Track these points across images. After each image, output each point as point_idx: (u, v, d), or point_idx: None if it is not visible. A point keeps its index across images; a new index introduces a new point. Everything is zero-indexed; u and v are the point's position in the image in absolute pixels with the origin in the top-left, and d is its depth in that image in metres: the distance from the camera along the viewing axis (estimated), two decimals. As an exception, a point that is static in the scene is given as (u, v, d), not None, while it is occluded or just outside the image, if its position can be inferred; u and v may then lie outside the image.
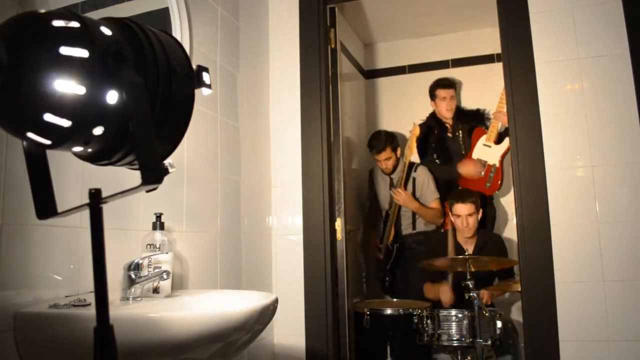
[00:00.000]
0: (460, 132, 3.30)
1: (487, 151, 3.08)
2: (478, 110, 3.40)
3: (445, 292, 2.78)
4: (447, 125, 3.37)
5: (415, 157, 3.57)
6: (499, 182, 3.13)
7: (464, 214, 2.77)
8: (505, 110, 3.06)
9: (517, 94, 2.13)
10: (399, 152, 3.30)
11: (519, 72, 2.13)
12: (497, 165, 3.11)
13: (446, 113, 3.32)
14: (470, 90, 3.73)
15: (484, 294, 2.65)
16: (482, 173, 3.13)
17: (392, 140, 3.27)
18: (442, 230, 3.18)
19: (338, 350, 2.35)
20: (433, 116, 3.43)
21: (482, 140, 3.13)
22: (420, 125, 3.43)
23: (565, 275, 1.98)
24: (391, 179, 3.34)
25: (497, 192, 3.20)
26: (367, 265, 3.57)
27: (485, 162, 3.14)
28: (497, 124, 3.10)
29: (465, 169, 3.17)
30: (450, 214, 2.90)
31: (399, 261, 3.26)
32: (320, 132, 2.43)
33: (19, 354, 1.07)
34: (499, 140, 3.10)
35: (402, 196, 3.13)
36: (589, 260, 1.97)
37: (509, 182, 2.83)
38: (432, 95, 3.39)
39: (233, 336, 1.10)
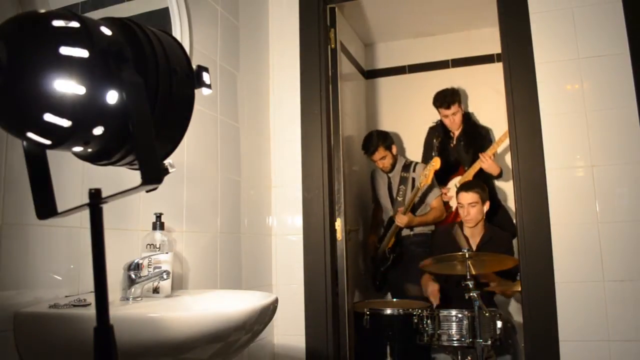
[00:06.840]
0: (462, 143, 3.30)
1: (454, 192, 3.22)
2: (488, 133, 3.33)
3: (431, 286, 2.81)
4: (452, 134, 3.37)
5: (413, 157, 3.57)
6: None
7: (466, 202, 2.81)
8: (494, 154, 3.10)
9: (517, 94, 2.13)
10: (394, 149, 3.31)
11: (519, 72, 2.13)
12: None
13: (452, 126, 3.34)
14: (471, 91, 3.73)
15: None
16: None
17: (384, 139, 3.27)
18: (447, 224, 3.19)
19: (338, 350, 2.35)
20: (442, 123, 3.42)
21: (455, 181, 3.24)
22: (431, 129, 3.51)
23: (565, 275, 1.98)
24: (389, 178, 3.34)
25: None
26: (366, 265, 3.57)
27: (448, 202, 3.30)
28: (477, 168, 3.12)
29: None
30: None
31: (396, 264, 3.26)
32: (320, 132, 2.42)
33: (19, 353, 1.07)
34: None
35: (404, 220, 3.13)
36: (589, 260, 1.97)
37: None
38: (437, 108, 3.36)
39: (233, 336, 1.10)
